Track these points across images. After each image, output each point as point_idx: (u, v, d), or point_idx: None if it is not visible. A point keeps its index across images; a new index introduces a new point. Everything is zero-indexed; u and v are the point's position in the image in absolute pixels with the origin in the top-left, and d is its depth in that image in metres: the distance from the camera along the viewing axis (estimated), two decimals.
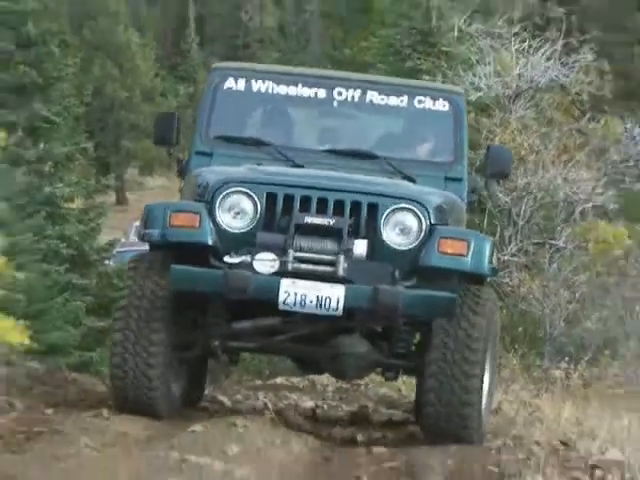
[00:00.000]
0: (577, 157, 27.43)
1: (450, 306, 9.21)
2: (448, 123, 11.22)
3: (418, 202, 9.47)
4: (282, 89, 11.27)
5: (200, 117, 11.32)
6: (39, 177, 39.25)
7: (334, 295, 8.99)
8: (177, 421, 10.76)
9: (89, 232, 40.09)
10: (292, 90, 11.25)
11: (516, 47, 29.37)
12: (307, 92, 11.25)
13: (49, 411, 10.77)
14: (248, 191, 9.50)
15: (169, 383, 10.07)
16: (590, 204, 27.29)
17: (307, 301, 9.01)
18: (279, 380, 17.54)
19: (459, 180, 11.08)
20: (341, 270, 9.16)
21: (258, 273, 9.13)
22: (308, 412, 13.90)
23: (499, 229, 25.63)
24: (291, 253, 9.19)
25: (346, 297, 9.03)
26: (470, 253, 9.39)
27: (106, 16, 79.64)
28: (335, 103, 11.20)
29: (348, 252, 9.23)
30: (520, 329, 23.60)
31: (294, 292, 9.01)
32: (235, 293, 9.19)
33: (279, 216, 9.48)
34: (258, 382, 17.81)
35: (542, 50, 29.67)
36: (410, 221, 9.39)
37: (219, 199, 9.50)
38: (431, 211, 9.48)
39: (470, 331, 9.24)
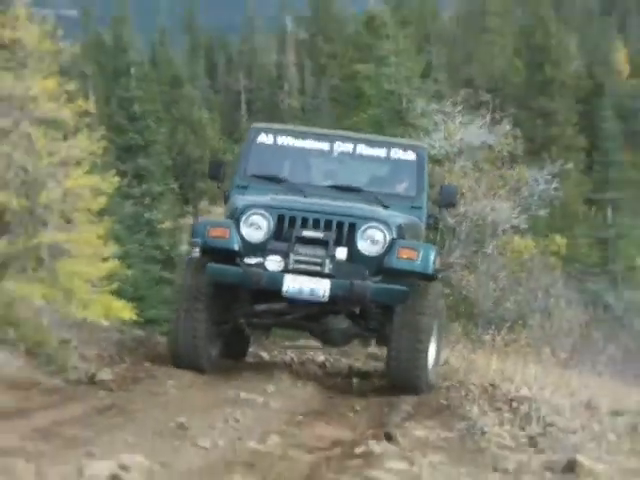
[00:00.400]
0: (500, 193, 28.12)
1: (403, 296, 9.49)
2: (413, 168, 11.33)
3: (384, 222, 9.73)
4: (298, 142, 11.47)
5: (240, 161, 11.54)
6: (142, 207, 41.94)
7: (321, 287, 9.32)
8: (232, 370, 11.06)
9: (175, 243, 42.49)
10: (305, 143, 11.46)
11: (459, 120, 30.48)
12: (316, 145, 11.51)
13: (147, 364, 10.96)
14: (264, 212, 9.78)
15: (209, 348, 10.21)
16: (508, 225, 28.18)
17: (303, 291, 9.34)
18: (301, 341, 17.39)
19: (420, 208, 11.18)
20: (326, 269, 9.44)
21: (268, 270, 9.44)
22: (320, 364, 14.10)
23: (447, 242, 26.30)
24: (292, 257, 9.48)
25: (330, 288, 9.33)
26: (419, 259, 9.57)
27: (186, 100, 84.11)
28: (335, 153, 11.40)
29: (332, 257, 9.49)
30: (462, 308, 24.85)
31: (294, 284, 9.35)
32: (252, 284, 9.58)
33: (285, 231, 9.71)
34: (287, 343, 17.49)
35: (476, 122, 30.66)
36: (378, 235, 9.60)
37: (243, 218, 9.74)
38: (393, 229, 9.72)
39: (420, 313, 9.39)
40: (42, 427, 7.26)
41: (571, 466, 7.10)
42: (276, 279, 9.45)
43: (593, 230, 62.90)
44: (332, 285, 9.40)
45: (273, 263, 9.46)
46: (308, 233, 9.65)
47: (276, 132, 11.70)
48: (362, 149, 11.45)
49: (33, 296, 12.22)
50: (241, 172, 11.36)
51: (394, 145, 11.72)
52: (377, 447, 7.58)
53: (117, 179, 23.53)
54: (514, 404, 10.22)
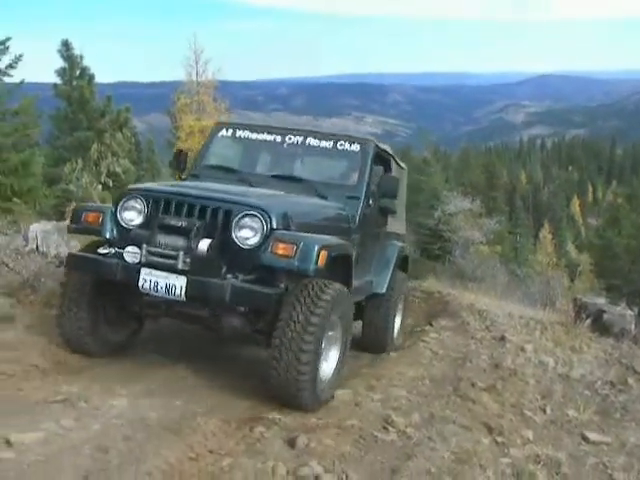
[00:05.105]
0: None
1: (267, 300, 4.45)
2: (357, 159, 6.19)
3: (262, 209, 4.62)
4: (253, 135, 6.49)
5: (200, 153, 6.62)
6: None
7: (178, 284, 4.42)
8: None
9: None
10: (260, 136, 6.47)
11: None
12: (269, 137, 6.43)
13: None
14: (139, 197, 4.84)
15: (102, 333, 5.12)
16: (478, 240, 24.97)
17: (159, 287, 4.45)
18: None
19: (357, 198, 5.93)
20: (180, 264, 4.44)
21: (126, 262, 4.56)
22: None
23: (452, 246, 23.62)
24: (145, 247, 4.53)
25: (187, 286, 4.41)
26: (297, 255, 4.43)
27: None
28: (285, 145, 6.37)
29: (191, 249, 4.47)
30: (459, 275, 20.94)
31: (149, 279, 4.46)
32: (108, 276, 4.67)
33: (155, 218, 4.72)
34: None
35: None
36: (254, 224, 4.57)
37: (120, 203, 4.86)
38: (273, 217, 4.61)
39: (308, 316, 4.37)
40: None
41: (503, 338, 7.90)
42: (131, 272, 4.56)
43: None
44: (189, 283, 4.45)
45: (130, 254, 4.60)
46: (169, 221, 4.67)
47: (236, 126, 6.73)
48: (311, 141, 6.42)
49: None
50: (198, 163, 6.49)
51: (342, 137, 6.49)
52: (425, 328, 8.46)
53: None
54: (480, 312, 10.09)
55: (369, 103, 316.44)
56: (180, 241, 4.47)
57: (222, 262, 4.45)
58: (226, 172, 6.10)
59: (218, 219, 4.54)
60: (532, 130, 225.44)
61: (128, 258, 4.52)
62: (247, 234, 4.50)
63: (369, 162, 6.14)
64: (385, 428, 4.00)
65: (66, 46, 20.54)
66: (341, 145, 6.32)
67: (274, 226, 4.51)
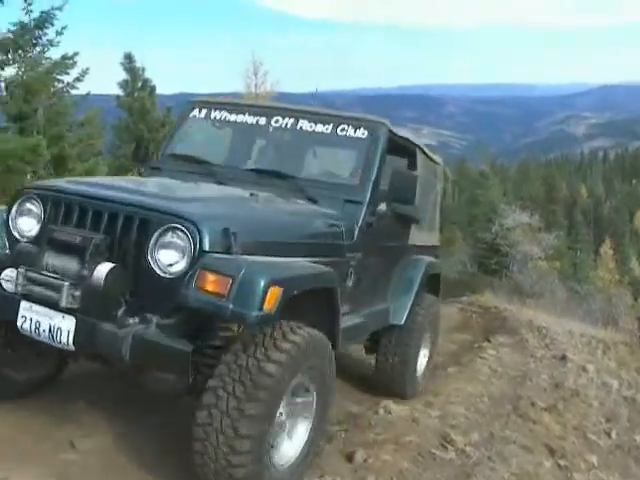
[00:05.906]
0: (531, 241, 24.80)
1: (181, 362, 2.63)
2: (363, 149, 4.37)
3: (190, 221, 2.81)
4: (232, 117, 4.74)
5: (166, 140, 5.03)
6: None
7: (64, 327, 2.73)
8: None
9: None
10: (240, 118, 4.70)
11: None
12: (251, 120, 4.64)
13: None
14: (36, 198, 3.25)
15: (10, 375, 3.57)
16: (537, 255, 24.64)
17: (41, 329, 2.78)
18: None
19: (359, 203, 4.10)
20: (64, 299, 2.70)
21: (5, 291, 2.94)
22: None
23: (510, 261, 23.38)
24: (21, 272, 2.85)
25: (76, 331, 2.72)
26: (233, 293, 2.59)
27: None
28: (271, 129, 4.60)
29: (82, 278, 2.75)
30: (516, 290, 20.61)
31: (30, 317, 2.82)
32: None
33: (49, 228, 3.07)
34: None
35: None
36: (181, 243, 2.81)
37: (15, 207, 3.29)
38: (205, 233, 2.79)
39: (257, 376, 2.62)
40: None
41: (563, 357, 7.95)
42: (9, 305, 2.90)
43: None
44: (78, 326, 2.74)
45: (6, 280, 2.94)
46: (61, 235, 2.95)
47: (211, 105, 4.93)
48: (304, 124, 4.54)
49: None
50: (162, 151, 4.90)
51: (344, 120, 4.53)
52: (483, 344, 8.38)
53: None
54: (539, 329, 10.04)
55: (426, 115, 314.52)
56: (73, 264, 2.91)
57: (130, 298, 2.91)
58: (194, 164, 4.57)
59: (131, 232, 2.98)
60: (594, 142, 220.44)
61: (5, 285, 3.01)
62: (170, 257, 2.90)
63: (379, 153, 4.40)
64: (443, 446, 3.97)
65: (129, 59, 21.06)
66: (343, 130, 4.52)
67: (205, 247, 2.85)
